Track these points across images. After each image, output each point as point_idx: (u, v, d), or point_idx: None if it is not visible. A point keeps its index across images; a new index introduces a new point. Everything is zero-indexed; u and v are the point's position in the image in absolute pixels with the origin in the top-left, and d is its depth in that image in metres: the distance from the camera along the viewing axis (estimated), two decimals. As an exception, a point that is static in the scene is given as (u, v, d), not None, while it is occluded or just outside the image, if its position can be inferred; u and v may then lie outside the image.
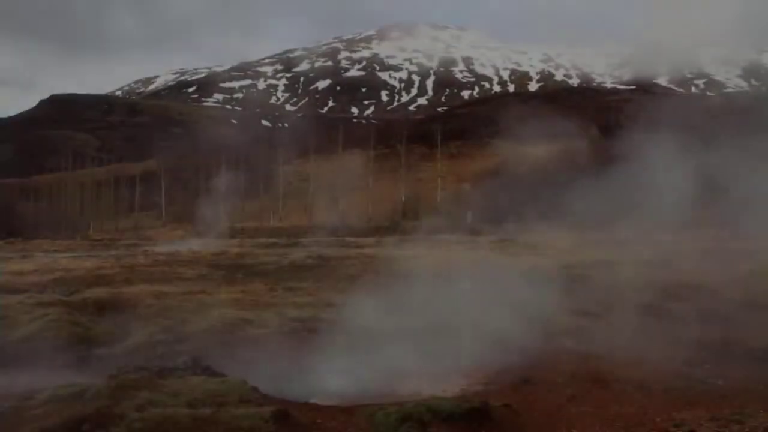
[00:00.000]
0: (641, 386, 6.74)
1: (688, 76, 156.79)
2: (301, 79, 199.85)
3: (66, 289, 14.58)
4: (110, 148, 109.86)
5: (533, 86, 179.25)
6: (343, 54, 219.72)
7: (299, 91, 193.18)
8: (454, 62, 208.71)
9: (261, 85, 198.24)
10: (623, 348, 8.19)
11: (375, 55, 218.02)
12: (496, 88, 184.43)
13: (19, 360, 8.49)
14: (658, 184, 10.85)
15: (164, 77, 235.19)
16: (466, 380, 7.40)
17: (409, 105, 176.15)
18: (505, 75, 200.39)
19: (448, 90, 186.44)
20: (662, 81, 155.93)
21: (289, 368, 8.07)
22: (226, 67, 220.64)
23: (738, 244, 12.76)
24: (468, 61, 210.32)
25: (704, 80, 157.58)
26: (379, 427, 5.45)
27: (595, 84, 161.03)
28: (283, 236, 40.28)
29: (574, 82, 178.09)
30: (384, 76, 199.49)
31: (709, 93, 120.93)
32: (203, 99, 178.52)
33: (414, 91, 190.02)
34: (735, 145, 10.49)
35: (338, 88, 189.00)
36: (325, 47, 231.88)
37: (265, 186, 58.37)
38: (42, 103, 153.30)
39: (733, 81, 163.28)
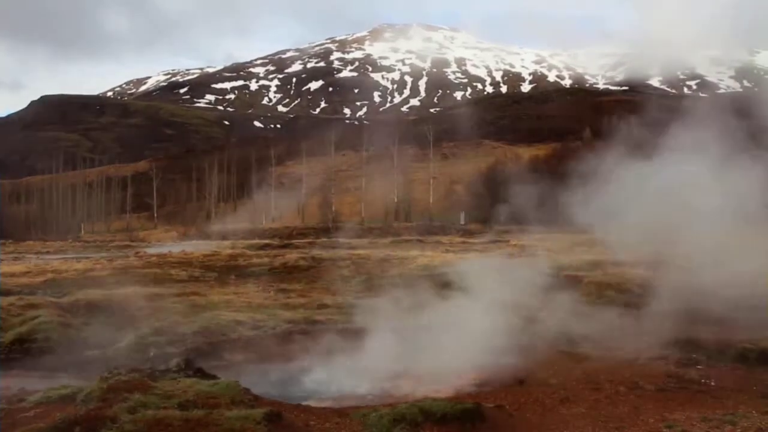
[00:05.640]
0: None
1: (681, 77, 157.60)
2: (294, 80, 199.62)
3: (57, 290, 14.50)
4: (102, 149, 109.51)
5: (526, 87, 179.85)
6: (336, 55, 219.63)
7: (291, 92, 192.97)
8: (446, 63, 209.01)
9: (253, 86, 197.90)
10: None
11: (367, 56, 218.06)
12: (489, 89, 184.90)
13: (10, 362, 8.44)
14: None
15: (156, 78, 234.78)
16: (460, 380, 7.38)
17: (402, 106, 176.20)
18: (498, 76, 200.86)
19: (440, 91, 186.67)
20: (655, 82, 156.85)
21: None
22: (218, 67, 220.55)
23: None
24: (461, 62, 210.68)
25: (697, 81, 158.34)
26: (372, 429, 5.43)
27: (587, 85, 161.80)
28: (275, 237, 40.28)
29: (567, 83, 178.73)
30: (376, 77, 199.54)
31: (701, 94, 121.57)
32: (195, 100, 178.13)
33: (407, 92, 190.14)
34: None
35: (330, 89, 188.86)
36: (317, 48, 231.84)
37: (258, 187, 58.30)
38: (33, 104, 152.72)
39: (726, 82, 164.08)
